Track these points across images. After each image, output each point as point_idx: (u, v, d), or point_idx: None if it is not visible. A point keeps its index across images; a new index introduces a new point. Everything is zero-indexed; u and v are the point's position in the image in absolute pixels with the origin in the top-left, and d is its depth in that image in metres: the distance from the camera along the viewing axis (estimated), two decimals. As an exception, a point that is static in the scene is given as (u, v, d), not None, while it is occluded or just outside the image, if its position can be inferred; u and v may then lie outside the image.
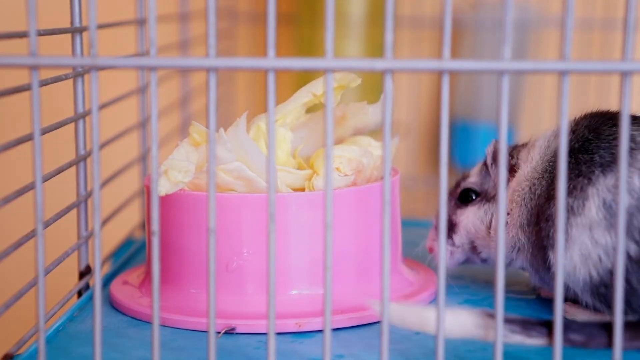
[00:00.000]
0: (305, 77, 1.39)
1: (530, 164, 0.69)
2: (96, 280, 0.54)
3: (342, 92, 0.74)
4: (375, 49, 1.63)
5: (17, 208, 0.72)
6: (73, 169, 0.75)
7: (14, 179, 0.85)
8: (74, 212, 0.75)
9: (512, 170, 0.71)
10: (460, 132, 1.80)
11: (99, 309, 0.53)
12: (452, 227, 0.74)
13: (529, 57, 1.76)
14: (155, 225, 0.53)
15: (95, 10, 0.51)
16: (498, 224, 0.52)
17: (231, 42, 1.66)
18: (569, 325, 0.58)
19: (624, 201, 0.55)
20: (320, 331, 0.66)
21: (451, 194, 0.75)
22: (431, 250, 0.76)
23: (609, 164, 0.64)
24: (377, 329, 0.65)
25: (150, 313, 0.67)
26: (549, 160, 0.68)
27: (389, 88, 0.51)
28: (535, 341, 0.57)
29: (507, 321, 0.57)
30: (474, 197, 0.74)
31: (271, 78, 0.51)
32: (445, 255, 0.52)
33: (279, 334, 0.65)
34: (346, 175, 0.70)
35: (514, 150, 0.72)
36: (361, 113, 0.75)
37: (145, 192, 0.73)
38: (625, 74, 0.50)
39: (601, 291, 0.63)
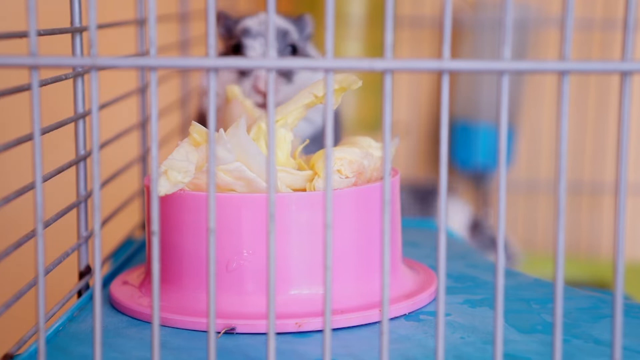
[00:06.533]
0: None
1: None
2: (96, 280, 0.54)
3: (343, 94, 0.74)
4: (375, 49, 1.63)
5: (17, 208, 0.72)
6: (73, 169, 0.75)
7: (14, 179, 0.85)
8: (74, 212, 0.75)
9: None
10: (460, 132, 1.81)
11: (99, 309, 0.53)
12: None
13: (529, 57, 1.76)
14: (155, 225, 0.53)
15: (95, 10, 0.51)
16: (499, 226, 0.52)
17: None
18: None
19: (624, 197, 0.55)
20: (320, 331, 0.66)
21: None
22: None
23: None
24: (377, 329, 0.66)
25: (150, 313, 0.67)
26: None
27: (389, 88, 0.51)
28: None
29: None
30: None
31: (272, 78, 0.51)
32: (444, 254, 0.52)
33: (279, 334, 0.65)
34: (347, 177, 0.70)
35: None
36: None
37: (145, 192, 0.73)
38: (625, 74, 0.50)
39: None
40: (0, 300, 0.61)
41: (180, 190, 0.68)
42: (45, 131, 0.66)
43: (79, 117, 0.75)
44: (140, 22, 0.92)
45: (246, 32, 0.86)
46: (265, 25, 0.85)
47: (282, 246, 0.67)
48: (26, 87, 0.61)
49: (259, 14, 0.89)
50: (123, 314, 0.71)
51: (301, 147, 0.76)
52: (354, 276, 0.69)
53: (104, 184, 0.82)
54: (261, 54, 0.85)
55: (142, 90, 0.93)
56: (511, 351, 0.62)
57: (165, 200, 0.69)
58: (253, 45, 0.85)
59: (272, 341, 0.52)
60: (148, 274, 0.74)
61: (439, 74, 0.51)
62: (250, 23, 0.87)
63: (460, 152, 1.81)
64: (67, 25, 0.74)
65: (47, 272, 0.65)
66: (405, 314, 0.69)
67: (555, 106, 1.82)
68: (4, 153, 0.59)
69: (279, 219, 0.66)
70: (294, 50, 0.87)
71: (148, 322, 0.68)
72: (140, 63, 0.52)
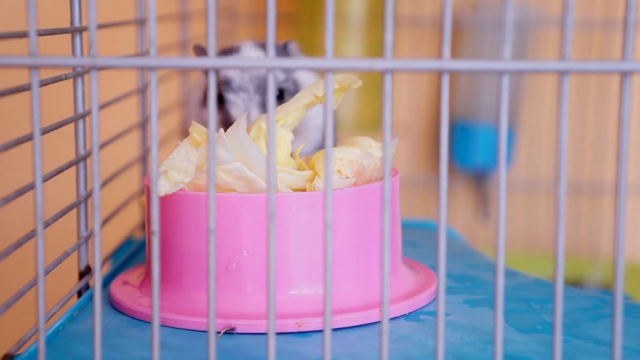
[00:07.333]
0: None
1: None
2: (96, 280, 0.54)
3: (343, 94, 0.74)
4: (375, 49, 1.63)
5: (17, 208, 0.72)
6: (73, 169, 0.75)
7: (14, 179, 0.85)
8: (74, 212, 0.75)
9: None
10: (460, 132, 1.80)
11: (99, 309, 0.53)
12: None
13: (529, 57, 1.76)
14: (155, 225, 0.53)
15: (95, 10, 0.51)
16: (499, 225, 0.52)
17: (231, 42, 1.66)
18: None
19: (624, 197, 0.55)
20: (320, 331, 0.66)
21: None
22: None
23: None
24: (377, 329, 0.66)
25: (150, 313, 0.67)
26: None
27: (389, 88, 0.51)
28: None
29: None
30: None
31: (271, 78, 0.51)
32: (444, 254, 0.52)
33: (279, 334, 0.65)
34: (347, 177, 0.70)
35: None
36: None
37: (145, 192, 0.73)
38: (625, 74, 0.50)
39: None
40: (0, 300, 0.61)
41: (180, 190, 0.68)
42: (45, 131, 0.66)
43: (79, 117, 0.75)
44: (140, 22, 0.92)
45: (227, 84, 0.81)
46: (249, 77, 0.80)
47: (282, 246, 0.67)
48: (26, 87, 0.61)
49: (242, 47, 0.84)
50: (123, 314, 0.71)
51: (301, 147, 0.76)
52: (354, 276, 0.69)
53: (104, 184, 0.82)
54: (244, 109, 0.79)
55: (142, 90, 0.93)
56: (511, 351, 0.62)
57: (165, 200, 0.69)
58: (235, 101, 0.80)
59: (272, 341, 0.52)
60: (148, 274, 0.74)
61: (439, 74, 0.51)
62: (232, 74, 0.80)
63: (460, 152, 1.81)
64: (67, 25, 0.74)
65: (47, 272, 0.65)
66: (405, 314, 0.69)
67: (555, 106, 1.82)
68: (4, 153, 0.59)
69: (279, 219, 0.66)
70: (281, 94, 0.82)
71: (148, 322, 0.68)
72: (140, 63, 0.52)
